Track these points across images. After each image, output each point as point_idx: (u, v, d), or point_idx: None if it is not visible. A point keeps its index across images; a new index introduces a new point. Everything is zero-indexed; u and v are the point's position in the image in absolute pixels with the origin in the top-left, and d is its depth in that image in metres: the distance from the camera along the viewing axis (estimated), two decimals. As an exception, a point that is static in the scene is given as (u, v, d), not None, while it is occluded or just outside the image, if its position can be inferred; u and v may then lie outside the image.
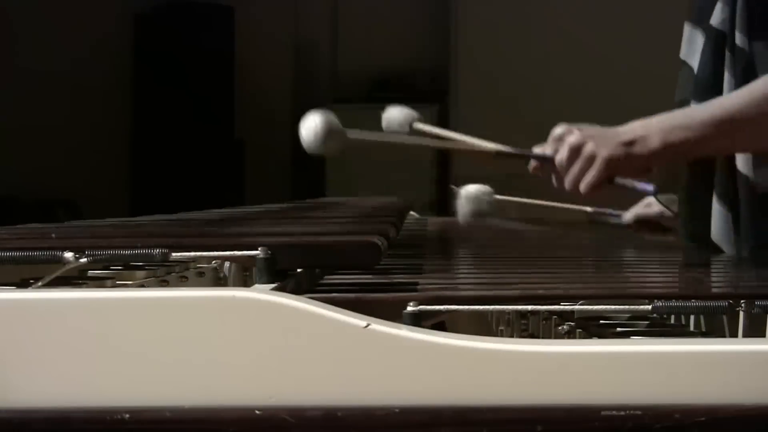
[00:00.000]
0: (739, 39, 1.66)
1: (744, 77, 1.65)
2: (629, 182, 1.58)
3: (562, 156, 1.54)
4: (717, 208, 1.68)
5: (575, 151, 1.53)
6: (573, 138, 1.54)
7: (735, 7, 1.68)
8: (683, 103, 1.76)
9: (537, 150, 1.61)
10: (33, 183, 6.47)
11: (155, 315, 0.82)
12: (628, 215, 1.99)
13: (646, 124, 1.57)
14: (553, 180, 1.58)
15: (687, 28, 1.79)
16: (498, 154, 1.65)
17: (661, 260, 1.62)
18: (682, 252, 1.78)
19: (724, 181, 1.67)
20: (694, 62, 1.76)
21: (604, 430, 0.79)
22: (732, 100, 1.58)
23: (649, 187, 1.62)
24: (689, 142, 1.53)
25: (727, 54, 1.68)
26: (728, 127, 1.54)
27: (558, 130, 1.57)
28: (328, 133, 1.42)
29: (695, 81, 1.73)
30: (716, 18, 1.71)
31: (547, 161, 1.57)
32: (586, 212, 2.02)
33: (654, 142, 1.53)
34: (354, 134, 1.58)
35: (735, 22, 1.67)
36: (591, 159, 1.52)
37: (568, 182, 1.54)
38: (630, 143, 1.53)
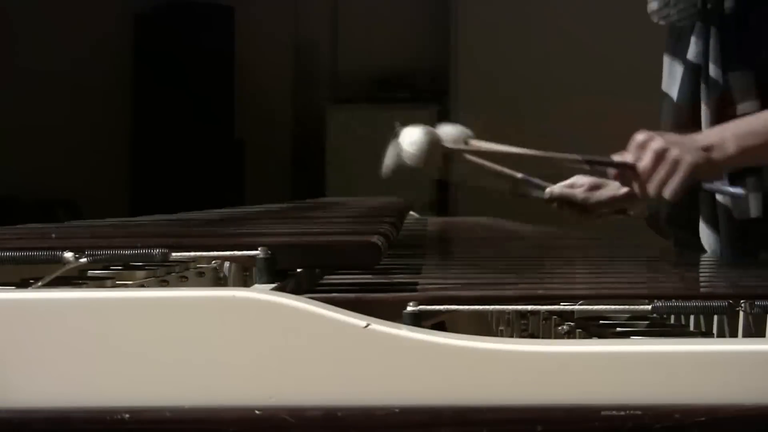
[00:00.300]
0: (713, 71, 1.70)
1: (717, 108, 1.68)
2: (718, 187, 1.61)
3: (646, 162, 1.55)
4: (704, 228, 1.72)
5: (659, 157, 1.54)
6: (657, 144, 1.55)
7: (708, 40, 1.71)
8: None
9: (617, 157, 1.61)
10: (33, 183, 6.47)
11: (155, 315, 0.83)
12: (556, 189, 1.93)
13: (722, 130, 1.60)
14: (635, 187, 1.59)
15: (666, 60, 1.84)
16: (584, 161, 1.65)
17: (660, 260, 1.62)
18: (681, 252, 1.78)
19: (708, 202, 1.72)
20: (674, 93, 1.80)
21: (604, 430, 0.80)
22: None
23: (740, 191, 1.64)
24: (763, 147, 1.57)
25: (702, 86, 1.72)
26: None
27: (639, 137, 1.58)
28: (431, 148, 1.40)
29: (674, 109, 1.77)
30: (691, 51, 1.75)
31: (629, 168, 1.58)
32: (514, 178, 1.93)
33: (730, 148, 1.56)
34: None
35: (709, 55, 1.70)
36: (676, 164, 1.54)
37: (653, 188, 1.55)
38: (708, 148, 1.56)
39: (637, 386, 0.80)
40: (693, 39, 1.75)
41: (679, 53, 1.80)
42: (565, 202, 1.90)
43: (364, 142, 6.95)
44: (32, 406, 0.82)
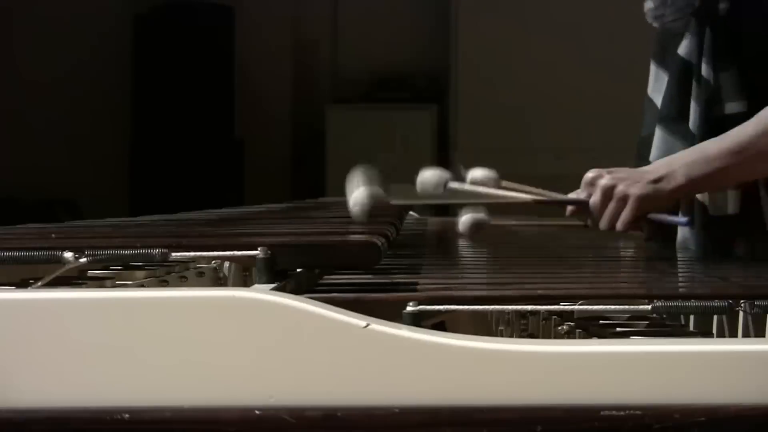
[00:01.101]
0: (704, 70, 1.73)
1: (708, 107, 1.71)
2: (663, 217, 1.67)
3: (595, 199, 1.64)
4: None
5: (607, 193, 1.63)
6: (604, 181, 1.64)
7: (702, 38, 1.73)
8: (649, 138, 1.82)
9: (572, 195, 1.72)
10: (33, 183, 6.47)
11: (155, 315, 0.83)
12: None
13: (670, 162, 1.67)
14: (588, 221, 1.69)
15: (653, 67, 1.88)
16: (537, 203, 1.75)
17: (660, 260, 1.62)
18: (681, 252, 1.78)
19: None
20: (659, 99, 1.82)
21: (604, 430, 0.79)
22: (742, 130, 1.65)
23: (683, 220, 1.73)
24: (710, 175, 1.63)
25: (694, 84, 1.75)
26: (742, 158, 1.63)
27: (589, 174, 1.68)
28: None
29: (660, 111, 1.79)
30: (683, 49, 1.77)
31: (581, 204, 1.67)
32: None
33: (679, 178, 1.63)
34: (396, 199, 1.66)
35: (702, 53, 1.73)
36: (623, 199, 1.62)
37: (603, 223, 1.64)
38: (657, 180, 1.63)
39: (637, 386, 0.80)
40: (687, 37, 1.77)
41: (664, 62, 1.83)
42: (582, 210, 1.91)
43: (364, 142, 6.98)
44: (32, 406, 0.82)
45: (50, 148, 6.58)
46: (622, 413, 0.79)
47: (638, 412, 0.79)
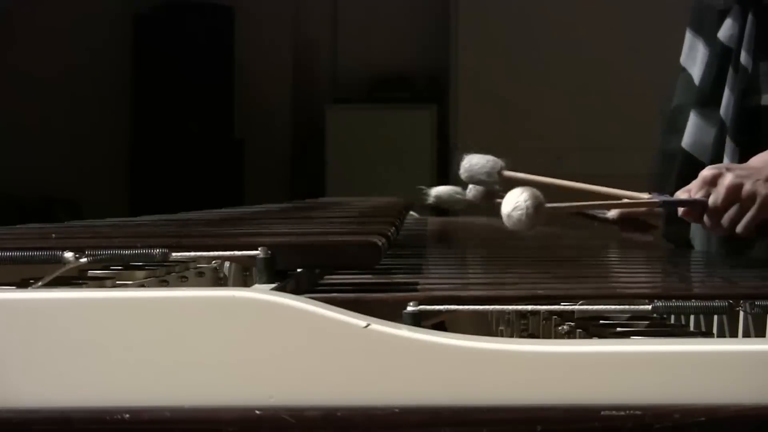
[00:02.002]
0: (743, 58, 1.69)
1: (743, 96, 1.66)
2: None
3: (717, 199, 1.53)
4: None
5: (733, 192, 1.51)
6: (729, 180, 1.52)
7: (744, 24, 1.69)
8: (679, 108, 1.78)
9: (684, 195, 1.59)
10: (33, 183, 6.47)
11: (155, 315, 0.82)
12: (613, 211, 1.93)
13: None
14: (706, 222, 1.56)
15: (688, 35, 1.81)
16: (659, 203, 1.62)
17: (660, 260, 1.62)
18: (681, 252, 1.78)
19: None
20: (695, 70, 1.78)
21: (604, 430, 0.79)
22: None
23: None
24: None
25: (730, 70, 1.70)
26: None
27: (707, 172, 1.55)
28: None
29: (697, 90, 1.75)
30: (724, 32, 1.72)
31: (698, 205, 1.55)
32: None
33: None
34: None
35: (742, 40, 1.69)
36: (751, 199, 1.50)
37: (725, 224, 1.52)
38: None
39: (637, 386, 0.80)
40: (729, 21, 1.72)
41: (703, 32, 1.78)
42: (628, 221, 1.86)
43: (364, 142, 6.97)
44: (32, 406, 0.82)
45: (50, 148, 6.58)
46: (622, 413, 0.79)
47: (638, 412, 0.79)
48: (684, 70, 1.81)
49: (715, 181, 1.53)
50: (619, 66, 6.23)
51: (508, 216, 1.39)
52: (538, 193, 1.40)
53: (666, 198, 1.61)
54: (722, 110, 1.71)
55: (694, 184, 1.56)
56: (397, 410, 0.80)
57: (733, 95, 1.69)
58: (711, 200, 1.53)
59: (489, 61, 6.48)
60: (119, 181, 6.79)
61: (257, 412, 0.81)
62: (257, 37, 6.86)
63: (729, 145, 1.70)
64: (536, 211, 1.38)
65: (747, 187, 1.51)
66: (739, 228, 1.51)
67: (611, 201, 1.68)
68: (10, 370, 0.82)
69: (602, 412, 0.80)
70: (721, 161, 1.70)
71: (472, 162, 1.69)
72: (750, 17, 1.70)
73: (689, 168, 1.72)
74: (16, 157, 6.39)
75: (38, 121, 6.57)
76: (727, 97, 1.70)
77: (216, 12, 6.76)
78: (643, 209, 1.76)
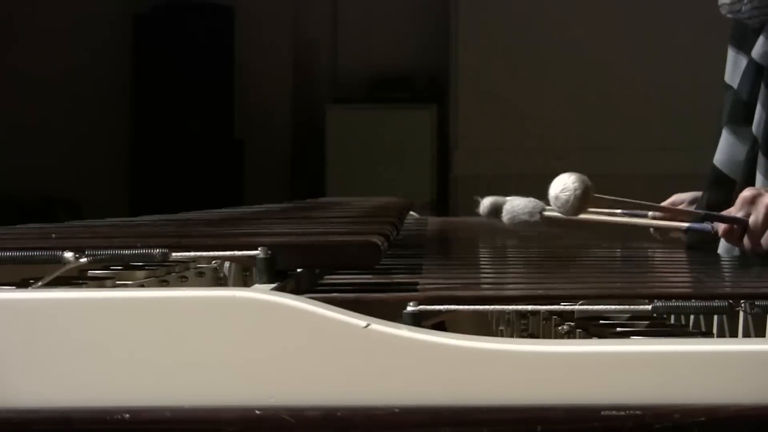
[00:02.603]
0: None
1: None
2: None
3: (757, 218, 1.54)
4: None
5: None
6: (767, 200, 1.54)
7: None
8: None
9: (725, 213, 1.61)
10: (33, 183, 6.47)
11: (155, 315, 0.83)
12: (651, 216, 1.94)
13: None
14: (746, 242, 1.56)
15: (731, 53, 1.81)
16: (703, 216, 1.65)
17: (660, 260, 1.62)
18: (682, 252, 1.78)
19: None
20: (737, 85, 1.78)
21: (604, 430, 0.80)
22: None
23: None
24: None
25: (762, 87, 1.70)
26: None
27: (747, 193, 1.57)
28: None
29: (730, 110, 1.75)
30: (757, 50, 1.73)
31: (739, 223, 1.57)
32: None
33: None
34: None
35: None
36: None
37: (765, 244, 1.53)
38: None
39: (637, 386, 0.80)
40: (761, 39, 1.73)
41: (744, 46, 1.78)
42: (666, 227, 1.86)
43: (364, 142, 6.97)
44: (32, 406, 0.82)
45: (50, 148, 6.58)
46: (622, 413, 0.79)
47: (638, 412, 0.79)
48: (730, 87, 1.81)
49: (755, 201, 1.55)
50: (619, 66, 6.23)
51: (556, 197, 1.40)
52: (586, 179, 1.42)
53: (711, 213, 1.64)
54: (754, 127, 1.72)
55: (735, 206, 1.58)
56: (397, 410, 0.80)
57: (765, 112, 1.70)
58: (752, 220, 1.55)
59: (489, 61, 6.48)
60: (119, 181, 6.79)
61: (257, 412, 0.81)
62: (257, 37, 6.86)
63: (761, 161, 1.70)
64: (584, 195, 1.40)
65: None
66: (766, 245, 1.52)
67: (655, 204, 1.70)
68: (10, 370, 0.82)
69: (602, 412, 0.80)
70: (753, 178, 1.70)
71: (514, 204, 1.71)
72: None
73: (719, 184, 1.73)
74: (16, 157, 6.39)
75: (38, 121, 6.57)
76: (759, 113, 1.70)
77: (216, 12, 6.75)
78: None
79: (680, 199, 1.92)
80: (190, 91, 6.67)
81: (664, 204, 1.86)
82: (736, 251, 1.71)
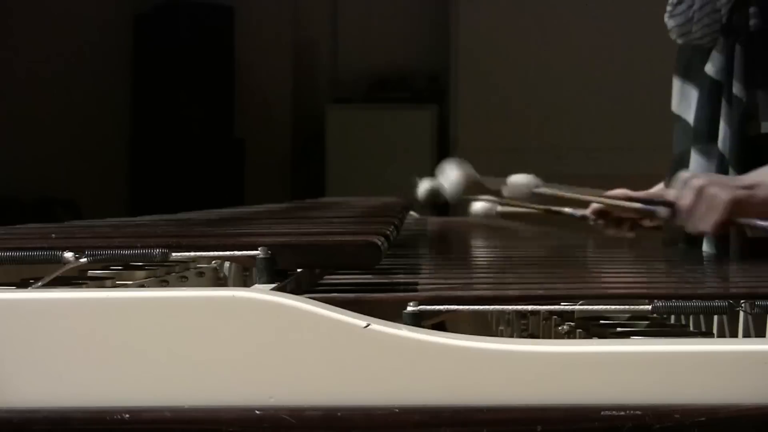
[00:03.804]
0: (736, 88, 1.71)
1: (741, 127, 1.68)
2: (750, 221, 1.63)
3: (686, 199, 1.61)
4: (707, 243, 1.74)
5: (698, 194, 1.59)
6: (696, 182, 1.60)
7: (732, 55, 1.71)
8: (683, 155, 1.80)
9: (660, 194, 1.70)
10: (32, 183, 6.47)
11: (155, 315, 0.82)
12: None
13: (765, 171, 1.63)
14: (679, 222, 1.64)
15: (676, 83, 1.84)
16: (630, 201, 1.76)
17: (660, 260, 1.62)
18: (682, 252, 1.78)
19: None
20: (689, 116, 1.80)
21: (604, 430, 0.79)
22: None
23: None
24: None
25: (723, 103, 1.72)
26: None
27: (684, 175, 1.64)
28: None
29: (693, 130, 1.77)
30: (712, 67, 1.74)
31: (671, 206, 1.65)
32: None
33: None
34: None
35: (732, 72, 1.70)
36: (712, 200, 1.58)
37: (693, 223, 1.60)
38: (751, 187, 1.59)
39: (637, 386, 0.80)
40: (715, 55, 1.74)
41: (692, 76, 1.80)
42: (601, 214, 1.90)
43: (364, 142, 6.97)
44: (32, 406, 0.82)
45: (50, 148, 6.58)
46: (622, 413, 0.79)
47: (638, 412, 0.79)
48: (679, 118, 1.84)
49: (687, 183, 1.61)
50: (619, 66, 6.23)
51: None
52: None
53: (639, 197, 1.74)
54: (720, 143, 1.73)
55: (675, 186, 1.64)
56: (397, 410, 0.80)
57: (729, 127, 1.72)
58: (682, 200, 1.61)
59: (489, 61, 6.48)
60: (119, 181, 6.79)
61: (257, 412, 0.81)
62: (257, 37, 6.86)
63: (732, 174, 1.72)
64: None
65: (711, 189, 1.58)
66: (705, 228, 1.59)
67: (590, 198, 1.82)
68: (10, 370, 0.82)
69: (602, 412, 0.80)
70: None
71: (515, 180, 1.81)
72: (738, 47, 1.71)
73: None
74: (17, 157, 6.39)
75: (39, 121, 6.57)
76: (723, 130, 1.73)
77: (216, 12, 6.76)
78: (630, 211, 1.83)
79: (629, 195, 1.95)
80: (190, 91, 6.68)
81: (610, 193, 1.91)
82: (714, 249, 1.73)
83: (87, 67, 6.73)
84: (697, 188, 1.59)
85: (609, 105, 6.27)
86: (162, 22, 6.76)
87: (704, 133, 1.77)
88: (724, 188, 1.58)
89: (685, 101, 1.83)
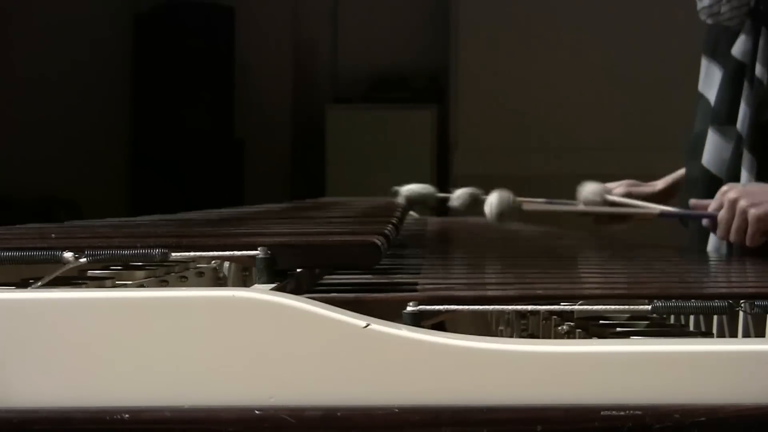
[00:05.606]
0: (758, 71, 1.71)
1: (759, 110, 1.69)
2: None
3: (722, 212, 1.64)
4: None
5: (731, 207, 1.63)
6: (731, 195, 1.64)
7: (757, 39, 1.71)
8: (701, 134, 1.80)
9: (700, 207, 1.72)
10: (32, 183, 6.47)
11: (155, 315, 0.82)
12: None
13: None
14: (718, 234, 1.67)
15: (704, 62, 1.84)
16: (671, 211, 1.81)
17: (660, 260, 1.62)
18: (682, 252, 1.78)
19: None
20: (711, 95, 1.80)
21: (604, 430, 0.79)
22: None
23: None
24: None
25: (745, 84, 1.72)
26: None
27: (723, 187, 1.67)
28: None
29: (712, 110, 1.78)
30: (738, 48, 1.75)
31: (710, 218, 1.68)
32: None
33: None
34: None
35: (756, 54, 1.71)
36: (743, 215, 1.61)
37: (732, 237, 1.63)
38: None
39: (637, 386, 0.80)
40: (742, 37, 1.75)
41: (718, 56, 1.81)
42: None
43: (364, 142, 6.97)
44: (32, 406, 0.82)
45: (50, 148, 6.58)
46: (622, 413, 0.79)
47: (638, 412, 0.79)
48: (702, 96, 1.84)
49: (725, 195, 1.64)
50: (619, 66, 6.23)
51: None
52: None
53: (683, 211, 1.78)
54: (739, 124, 1.74)
55: (714, 200, 1.67)
56: (397, 410, 0.80)
57: (749, 109, 1.72)
58: (720, 213, 1.64)
59: (489, 61, 6.48)
60: (119, 181, 6.79)
61: (257, 412, 0.81)
62: (257, 37, 6.86)
63: (746, 157, 1.73)
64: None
65: (741, 203, 1.61)
66: (746, 241, 1.61)
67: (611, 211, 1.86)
68: (10, 370, 0.82)
69: (602, 412, 0.80)
70: (738, 175, 1.74)
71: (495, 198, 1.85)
72: (764, 31, 1.72)
73: (708, 185, 1.76)
74: (17, 157, 6.39)
75: (39, 121, 6.57)
76: (743, 111, 1.73)
77: (216, 12, 6.76)
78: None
79: (616, 190, 1.95)
80: (190, 91, 6.67)
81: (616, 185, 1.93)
82: (723, 249, 1.73)
83: (87, 67, 6.73)
84: (731, 201, 1.62)
85: (609, 105, 6.27)
86: (162, 22, 6.75)
87: (723, 114, 1.77)
88: (754, 203, 1.60)
89: (708, 80, 1.83)
